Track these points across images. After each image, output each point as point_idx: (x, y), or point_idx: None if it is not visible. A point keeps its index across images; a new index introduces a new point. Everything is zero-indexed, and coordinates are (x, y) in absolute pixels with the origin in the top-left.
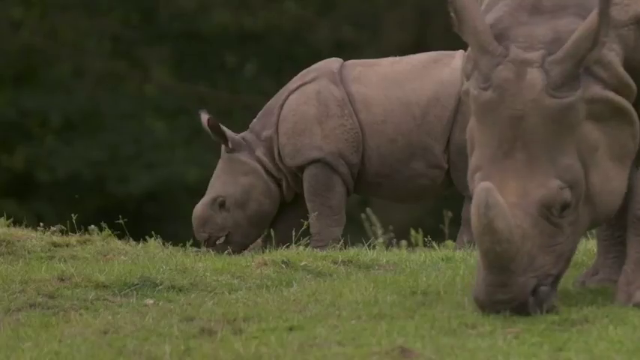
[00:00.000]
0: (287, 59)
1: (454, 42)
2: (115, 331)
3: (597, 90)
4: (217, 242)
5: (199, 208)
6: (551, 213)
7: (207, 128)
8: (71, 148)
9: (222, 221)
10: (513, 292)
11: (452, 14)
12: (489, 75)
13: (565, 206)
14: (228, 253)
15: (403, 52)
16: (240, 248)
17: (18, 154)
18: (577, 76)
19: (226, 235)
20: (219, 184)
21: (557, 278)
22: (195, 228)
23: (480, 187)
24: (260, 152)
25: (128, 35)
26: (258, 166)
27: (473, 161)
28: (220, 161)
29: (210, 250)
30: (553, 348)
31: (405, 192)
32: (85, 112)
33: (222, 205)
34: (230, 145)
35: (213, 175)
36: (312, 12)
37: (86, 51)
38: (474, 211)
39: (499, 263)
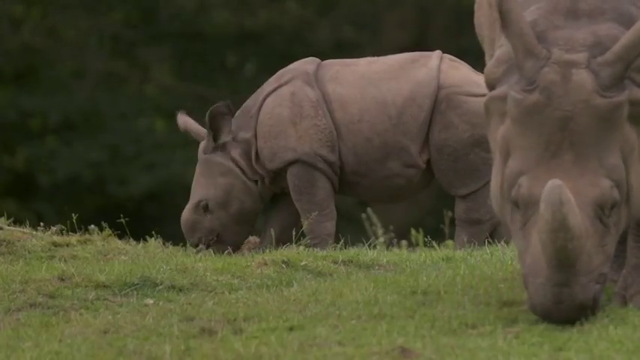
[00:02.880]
0: (287, 59)
1: (454, 42)
2: (115, 330)
3: (638, 93)
4: (210, 243)
5: (185, 214)
6: (603, 213)
7: (184, 126)
8: (71, 148)
9: (210, 224)
10: (578, 291)
11: (498, 16)
12: (534, 78)
13: (614, 205)
14: (229, 253)
15: (403, 52)
16: (234, 247)
17: (18, 154)
18: (624, 78)
19: (217, 236)
20: (199, 188)
21: (606, 277)
22: (185, 235)
23: (551, 184)
24: (236, 153)
25: (128, 35)
26: (234, 166)
27: (514, 166)
28: (198, 166)
29: (207, 248)
30: (553, 348)
31: (381, 191)
32: (85, 112)
33: (205, 208)
34: (213, 142)
35: (193, 180)
36: (313, 12)
37: (86, 51)
38: (545, 209)
39: (569, 261)
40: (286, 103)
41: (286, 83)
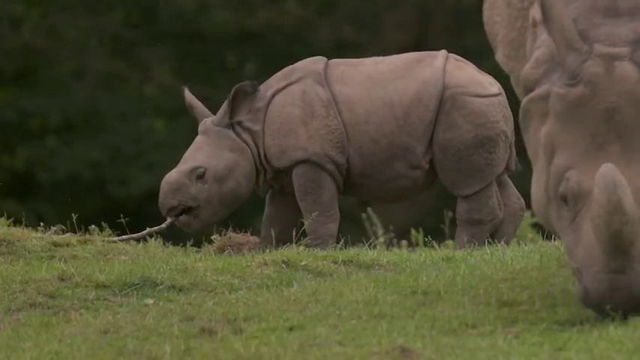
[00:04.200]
0: (287, 59)
1: (454, 42)
2: (115, 330)
3: None
4: (182, 214)
5: (174, 175)
6: None
7: (189, 102)
8: (71, 148)
9: (196, 192)
10: (633, 278)
11: (540, 12)
12: (577, 72)
13: None
14: (229, 253)
15: (403, 52)
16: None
17: (18, 154)
18: None
19: (193, 208)
20: (201, 156)
21: None
22: (164, 194)
23: (604, 168)
24: (247, 137)
25: (128, 35)
26: (247, 148)
27: (560, 162)
28: (203, 135)
29: (171, 220)
30: (553, 348)
31: (386, 192)
32: (85, 112)
33: (200, 176)
34: (228, 118)
35: (192, 147)
36: (313, 12)
37: (86, 51)
38: (600, 193)
39: (624, 246)
40: (297, 102)
41: (297, 81)
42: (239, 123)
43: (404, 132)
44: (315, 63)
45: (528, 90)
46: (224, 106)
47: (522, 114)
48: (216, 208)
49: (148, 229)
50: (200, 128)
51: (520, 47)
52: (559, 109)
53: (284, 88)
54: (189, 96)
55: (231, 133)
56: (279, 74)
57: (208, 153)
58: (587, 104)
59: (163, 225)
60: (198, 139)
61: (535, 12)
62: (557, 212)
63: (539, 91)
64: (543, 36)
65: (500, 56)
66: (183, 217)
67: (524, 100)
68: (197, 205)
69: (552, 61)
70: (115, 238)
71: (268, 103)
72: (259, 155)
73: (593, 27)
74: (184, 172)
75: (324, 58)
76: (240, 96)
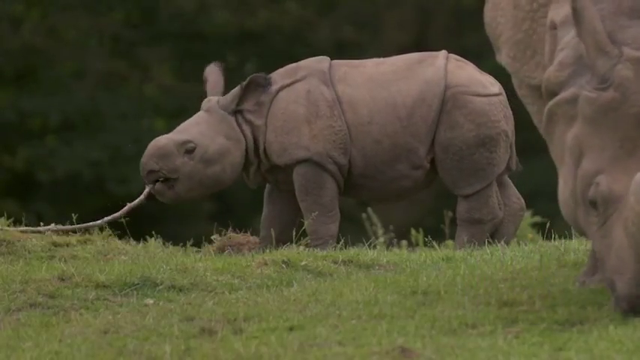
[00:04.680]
0: (287, 59)
1: (454, 42)
2: (115, 330)
3: None
4: (160, 182)
5: (163, 140)
6: None
7: (206, 75)
8: (71, 148)
9: (181, 165)
10: None
11: (571, 13)
12: (607, 75)
13: None
14: (229, 253)
15: (403, 52)
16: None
17: (18, 154)
18: None
19: (171, 180)
20: (196, 132)
21: None
22: (148, 155)
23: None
24: (247, 129)
25: (128, 35)
26: (243, 140)
27: (588, 166)
28: (207, 113)
29: (148, 189)
30: (553, 348)
31: (387, 193)
32: (85, 112)
33: (189, 151)
34: (235, 105)
35: (191, 120)
36: (313, 12)
37: (86, 51)
38: (636, 201)
39: None
40: (302, 101)
41: (302, 80)
42: (241, 113)
43: (407, 132)
44: (320, 62)
45: (552, 93)
46: (234, 92)
47: (547, 117)
48: (194, 185)
49: (128, 205)
50: (204, 105)
51: (526, 49)
52: (589, 112)
53: (289, 85)
54: (209, 69)
55: (233, 120)
56: (282, 70)
57: (204, 132)
58: (617, 108)
59: (142, 196)
60: (200, 114)
61: (554, 14)
62: (585, 217)
63: (565, 94)
64: (567, 38)
65: (504, 57)
66: (159, 185)
67: (549, 104)
68: (176, 178)
69: (578, 63)
70: (98, 222)
71: (272, 99)
72: (256, 149)
73: (619, 29)
74: (175, 142)
75: (328, 58)
76: (252, 86)
